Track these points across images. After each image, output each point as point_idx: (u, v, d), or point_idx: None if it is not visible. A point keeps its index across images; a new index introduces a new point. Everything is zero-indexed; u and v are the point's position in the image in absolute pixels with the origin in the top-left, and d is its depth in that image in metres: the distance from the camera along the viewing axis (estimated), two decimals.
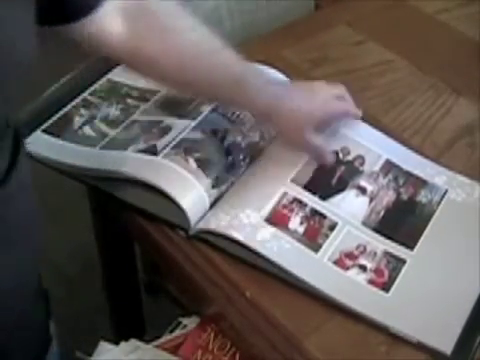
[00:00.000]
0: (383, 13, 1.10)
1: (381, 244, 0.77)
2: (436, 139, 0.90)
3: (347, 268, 0.75)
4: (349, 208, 0.80)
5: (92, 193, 0.95)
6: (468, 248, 0.77)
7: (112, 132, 0.89)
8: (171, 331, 0.81)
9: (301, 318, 0.72)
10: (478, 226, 0.78)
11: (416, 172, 0.85)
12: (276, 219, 0.78)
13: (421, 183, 0.83)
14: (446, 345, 0.69)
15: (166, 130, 0.86)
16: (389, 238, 0.78)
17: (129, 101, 0.94)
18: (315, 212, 0.79)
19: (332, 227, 0.78)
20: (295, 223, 0.78)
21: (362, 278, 0.74)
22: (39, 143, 0.86)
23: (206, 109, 0.88)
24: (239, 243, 0.76)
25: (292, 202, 0.80)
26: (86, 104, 0.93)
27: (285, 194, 0.81)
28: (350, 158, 0.85)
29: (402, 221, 0.80)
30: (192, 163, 0.81)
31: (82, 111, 0.92)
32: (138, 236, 0.90)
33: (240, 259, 0.76)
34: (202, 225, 0.78)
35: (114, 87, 0.96)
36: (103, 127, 0.90)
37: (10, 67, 0.55)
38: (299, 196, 0.81)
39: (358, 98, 0.90)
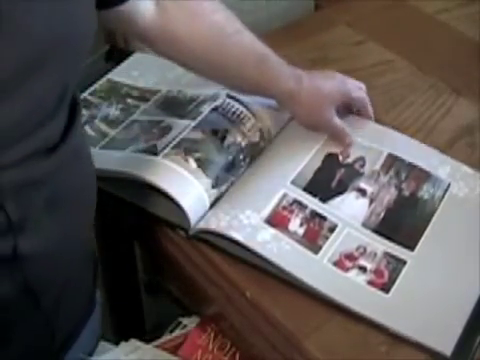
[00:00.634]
0: (383, 13, 1.10)
1: (381, 245, 0.77)
2: (436, 139, 0.90)
3: (347, 269, 0.75)
4: (349, 210, 0.80)
5: None
6: (469, 248, 0.77)
7: (112, 132, 0.89)
8: (171, 331, 0.81)
9: (301, 318, 0.72)
10: (478, 226, 0.78)
11: (419, 163, 0.84)
12: (276, 220, 0.78)
13: (424, 176, 0.83)
14: (446, 345, 0.69)
15: (166, 130, 0.86)
16: (389, 239, 0.78)
17: (129, 101, 0.94)
18: (315, 214, 0.79)
19: (332, 229, 0.78)
20: (295, 225, 0.78)
21: (362, 279, 0.74)
22: None
23: (206, 109, 0.88)
24: (239, 243, 0.76)
25: (292, 204, 0.80)
26: (86, 104, 0.93)
27: (285, 195, 0.81)
28: (350, 161, 0.85)
29: (403, 221, 0.80)
30: (192, 163, 0.81)
31: (82, 111, 0.92)
32: (138, 236, 0.90)
33: (240, 259, 0.76)
34: (202, 225, 0.78)
35: (114, 87, 0.96)
36: (103, 127, 0.90)
37: (76, 37, 0.59)
38: (299, 198, 0.81)
39: None
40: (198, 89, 0.92)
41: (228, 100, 0.89)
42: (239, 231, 0.77)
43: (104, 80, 0.98)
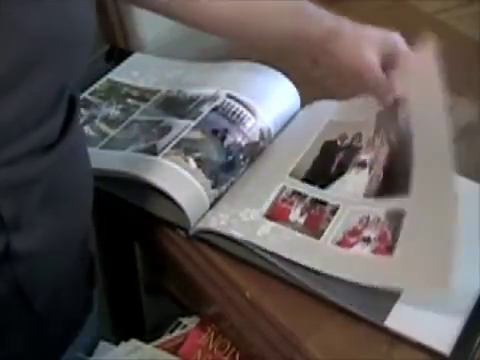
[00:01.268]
0: (383, 13, 1.10)
1: (382, 208, 0.77)
2: None
3: (352, 245, 0.75)
4: (350, 188, 0.80)
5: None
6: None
7: (112, 132, 0.89)
8: (171, 331, 0.81)
9: (301, 318, 0.72)
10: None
11: None
12: (276, 214, 0.79)
13: None
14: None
15: (166, 130, 0.86)
16: (388, 196, 0.77)
17: (129, 101, 0.94)
18: (315, 201, 0.80)
19: (334, 211, 0.78)
20: (295, 215, 0.78)
21: (367, 250, 0.74)
22: None
23: (206, 109, 0.88)
24: (239, 243, 0.76)
25: (291, 195, 0.80)
26: (86, 104, 0.93)
27: (284, 188, 0.81)
28: (348, 141, 0.85)
29: (397, 171, 0.79)
30: (192, 163, 0.81)
31: (82, 111, 0.92)
32: (138, 236, 0.90)
33: (240, 259, 0.76)
34: (202, 225, 0.78)
35: (114, 87, 0.96)
36: (103, 127, 0.90)
37: (74, 37, 0.59)
38: (298, 188, 0.81)
39: None
40: (198, 89, 0.92)
41: (228, 100, 0.89)
42: (239, 229, 0.77)
43: (104, 80, 0.98)
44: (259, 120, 0.87)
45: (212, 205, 0.80)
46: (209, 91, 0.91)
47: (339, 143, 0.85)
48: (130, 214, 0.82)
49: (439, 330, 0.70)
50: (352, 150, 0.84)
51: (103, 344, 0.80)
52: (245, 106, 0.88)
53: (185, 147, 0.83)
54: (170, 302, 1.16)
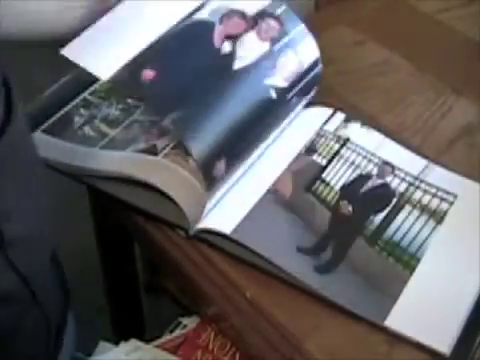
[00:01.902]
0: (383, 13, 1.10)
1: None
2: (436, 139, 0.90)
3: None
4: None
5: (92, 193, 0.95)
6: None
7: (112, 132, 0.89)
8: (171, 331, 0.81)
9: (301, 318, 0.72)
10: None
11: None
12: None
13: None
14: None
15: (166, 130, 0.86)
16: None
17: (129, 101, 0.94)
18: None
19: None
20: None
21: None
22: (39, 143, 0.86)
23: None
24: (239, 243, 0.76)
25: None
26: (86, 104, 0.93)
27: None
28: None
29: None
30: (192, 163, 0.81)
31: (82, 111, 0.92)
32: (138, 236, 0.90)
33: (240, 259, 0.76)
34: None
35: (114, 87, 0.96)
36: (103, 127, 0.90)
37: None
38: None
39: (358, 98, 0.91)
40: None
41: None
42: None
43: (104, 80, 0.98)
44: None
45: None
46: None
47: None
48: (130, 214, 0.82)
49: (439, 330, 0.70)
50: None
51: (103, 344, 0.80)
52: None
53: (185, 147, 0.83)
54: (170, 302, 1.16)
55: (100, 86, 0.96)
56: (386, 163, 0.85)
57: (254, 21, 0.83)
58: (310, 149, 0.86)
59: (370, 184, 0.83)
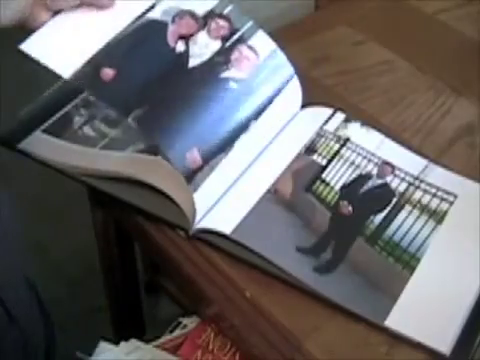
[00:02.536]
0: (383, 13, 1.10)
1: None
2: (436, 139, 0.90)
3: None
4: None
5: (92, 193, 0.95)
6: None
7: (112, 132, 0.89)
8: (171, 331, 0.81)
9: (301, 318, 0.72)
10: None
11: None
12: None
13: None
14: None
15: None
16: None
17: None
18: None
19: None
20: None
21: None
22: (39, 143, 0.86)
23: None
24: (239, 243, 0.76)
25: None
26: (86, 104, 0.93)
27: None
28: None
29: None
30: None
31: (82, 111, 0.92)
32: (138, 236, 0.90)
33: (240, 259, 0.76)
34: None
35: None
36: (103, 127, 0.90)
37: None
38: None
39: (358, 98, 0.91)
40: None
41: None
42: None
43: None
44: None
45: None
46: None
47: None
48: (130, 214, 0.82)
49: (439, 330, 0.70)
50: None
51: (103, 344, 0.80)
52: None
53: None
54: (170, 302, 1.16)
55: None
56: (386, 163, 0.85)
57: (204, 21, 0.85)
58: (310, 149, 0.86)
59: (370, 184, 0.83)
